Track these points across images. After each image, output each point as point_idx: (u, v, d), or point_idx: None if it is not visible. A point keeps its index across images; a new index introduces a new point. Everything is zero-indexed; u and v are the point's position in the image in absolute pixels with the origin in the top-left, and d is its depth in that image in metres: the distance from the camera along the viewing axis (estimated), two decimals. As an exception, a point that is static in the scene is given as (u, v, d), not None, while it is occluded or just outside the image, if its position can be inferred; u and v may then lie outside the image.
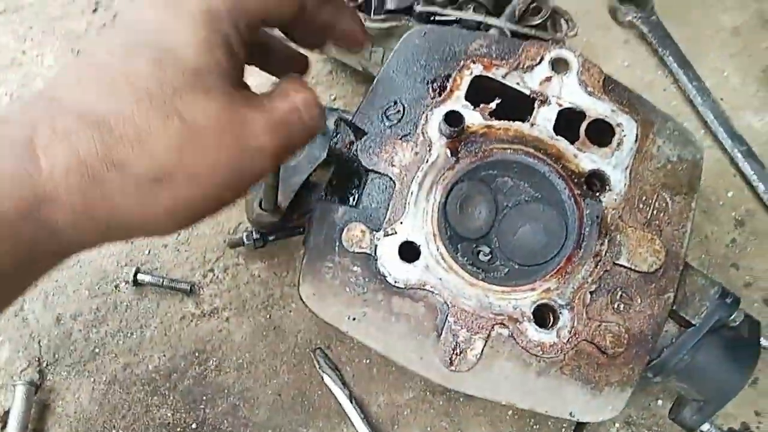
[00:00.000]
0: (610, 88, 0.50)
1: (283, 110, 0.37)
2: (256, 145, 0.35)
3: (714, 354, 0.48)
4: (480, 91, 0.49)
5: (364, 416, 0.59)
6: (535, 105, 0.48)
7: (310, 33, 0.41)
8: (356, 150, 0.47)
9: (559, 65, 0.49)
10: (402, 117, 0.48)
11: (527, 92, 0.49)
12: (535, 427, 0.61)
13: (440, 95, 0.49)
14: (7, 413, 0.55)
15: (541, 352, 0.44)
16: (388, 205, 0.46)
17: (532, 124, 0.48)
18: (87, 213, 0.32)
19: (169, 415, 0.58)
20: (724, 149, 0.76)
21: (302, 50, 0.45)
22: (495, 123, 0.48)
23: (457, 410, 0.60)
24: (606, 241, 0.46)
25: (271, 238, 0.64)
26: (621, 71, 0.80)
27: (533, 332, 0.44)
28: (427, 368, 0.44)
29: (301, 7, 0.38)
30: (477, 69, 0.49)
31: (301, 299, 0.46)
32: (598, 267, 0.46)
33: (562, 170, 0.47)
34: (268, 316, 0.63)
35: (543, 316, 0.45)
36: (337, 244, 0.46)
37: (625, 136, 0.48)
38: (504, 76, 0.49)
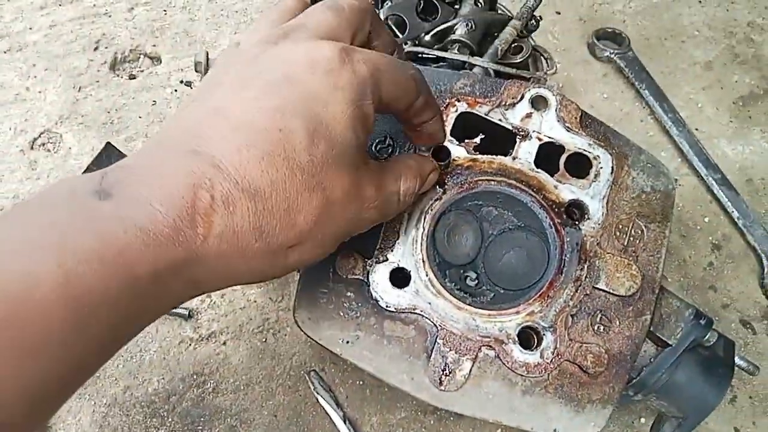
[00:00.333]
0: (586, 123, 0.53)
1: (390, 191, 0.41)
2: (365, 218, 0.40)
3: (691, 372, 0.51)
4: (465, 127, 0.52)
5: (358, 437, 0.60)
6: (517, 140, 0.51)
7: (404, 125, 0.46)
8: (350, 181, 0.50)
9: (538, 103, 0.53)
10: (392, 152, 0.51)
11: (509, 128, 0.52)
12: (522, 446, 0.62)
13: (428, 130, 0.52)
14: (9, 437, 0.56)
15: (526, 372, 0.46)
16: (380, 234, 0.49)
17: (514, 158, 0.51)
18: (227, 274, 0.34)
19: (168, 437, 0.59)
20: (700, 177, 0.80)
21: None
22: (479, 156, 0.51)
23: (447, 429, 0.62)
24: (586, 266, 0.49)
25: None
26: (600, 103, 0.84)
27: (518, 353, 0.47)
28: (418, 388, 0.46)
29: (411, 104, 0.42)
30: (462, 107, 0.52)
31: (297, 323, 0.48)
32: (579, 291, 0.48)
33: (543, 200, 0.50)
34: (264, 340, 0.65)
35: (527, 337, 0.48)
36: (332, 271, 0.48)
37: (601, 168, 0.51)
38: (487, 113, 0.52)
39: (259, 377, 0.63)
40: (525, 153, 0.51)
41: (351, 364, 0.49)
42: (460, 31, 0.66)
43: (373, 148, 0.51)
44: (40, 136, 0.73)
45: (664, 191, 0.52)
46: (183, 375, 0.62)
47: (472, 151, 0.51)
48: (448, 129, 0.51)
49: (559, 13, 0.92)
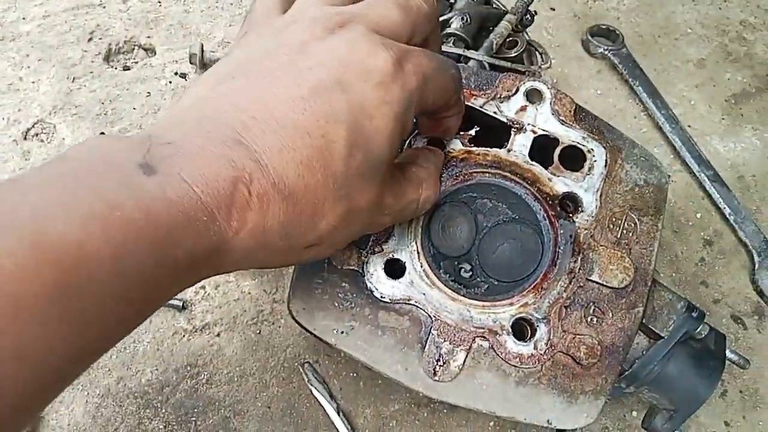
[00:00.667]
0: (581, 116, 0.53)
1: (408, 200, 0.41)
2: (379, 224, 0.41)
3: (683, 364, 0.51)
4: (460, 119, 0.52)
5: (351, 428, 0.60)
6: (512, 132, 0.51)
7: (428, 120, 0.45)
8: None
9: (533, 96, 0.53)
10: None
11: (504, 120, 0.52)
12: (515, 438, 0.63)
13: (424, 122, 0.52)
14: (1, 427, 0.56)
15: (519, 363, 0.47)
16: (375, 225, 0.49)
17: (508, 150, 0.51)
18: (244, 264, 0.34)
19: (161, 427, 0.59)
20: (692, 173, 0.80)
21: None
22: (474, 149, 0.51)
23: (441, 421, 0.62)
24: (579, 258, 0.49)
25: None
26: (594, 99, 0.84)
27: (512, 344, 0.47)
28: (412, 379, 0.46)
29: (447, 104, 0.42)
30: (458, 98, 0.52)
31: (291, 314, 0.48)
32: (572, 283, 0.48)
33: (537, 193, 0.50)
34: (258, 332, 0.65)
35: (521, 329, 0.48)
36: (327, 262, 0.48)
37: (595, 161, 0.51)
38: (482, 106, 0.52)
39: (252, 369, 0.63)
40: (519, 146, 0.51)
41: (345, 356, 0.49)
42: (456, 25, 0.66)
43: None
44: (33, 126, 0.73)
45: (657, 185, 0.52)
46: (176, 366, 0.62)
47: (467, 144, 0.51)
48: (443, 121, 0.52)
49: (554, 9, 0.92)
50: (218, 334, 0.64)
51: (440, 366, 0.46)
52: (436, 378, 0.46)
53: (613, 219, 0.50)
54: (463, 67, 0.56)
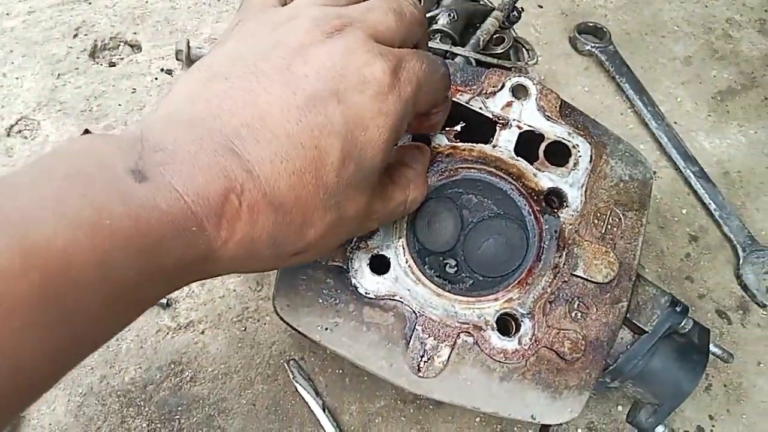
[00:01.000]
0: (566, 112, 0.53)
1: (396, 202, 0.40)
2: (367, 226, 0.40)
3: (667, 359, 0.51)
4: (446, 115, 0.51)
5: (337, 424, 0.60)
6: (497, 128, 0.51)
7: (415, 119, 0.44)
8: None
9: (518, 91, 0.52)
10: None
11: (489, 116, 0.51)
12: (501, 434, 0.62)
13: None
14: (-18, 426, 0.55)
15: (504, 359, 0.46)
16: (360, 220, 0.48)
17: (494, 146, 0.51)
18: (230, 270, 0.34)
19: (144, 425, 0.58)
20: (678, 169, 0.80)
21: None
22: (460, 144, 0.50)
23: (427, 417, 0.62)
24: (564, 254, 0.49)
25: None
26: (581, 96, 0.84)
27: (496, 340, 0.46)
28: (397, 375, 0.46)
29: (438, 104, 0.42)
30: (443, 93, 0.52)
31: (275, 310, 0.47)
32: (557, 278, 0.48)
33: (522, 188, 0.50)
34: (243, 329, 0.64)
35: (506, 324, 0.47)
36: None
37: (580, 156, 0.51)
38: (468, 102, 0.52)
39: (237, 366, 0.62)
40: (505, 141, 0.51)
41: (330, 352, 0.48)
42: (442, 21, 0.66)
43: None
44: (17, 122, 0.71)
45: (641, 180, 0.52)
46: (160, 364, 0.61)
47: (453, 139, 0.51)
48: (428, 116, 0.51)
49: (542, 7, 0.91)
50: (203, 332, 0.63)
51: (424, 362, 0.46)
52: (421, 374, 0.45)
53: (598, 214, 0.50)
54: (449, 63, 0.55)
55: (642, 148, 0.81)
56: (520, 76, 0.53)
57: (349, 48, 0.34)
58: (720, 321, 0.71)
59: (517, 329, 0.47)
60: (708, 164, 0.81)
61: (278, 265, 0.37)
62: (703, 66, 0.90)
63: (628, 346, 0.51)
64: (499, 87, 0.52)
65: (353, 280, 0.47)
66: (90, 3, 0.81)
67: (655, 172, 0.80)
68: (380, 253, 0.47)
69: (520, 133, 0.51)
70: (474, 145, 0.51)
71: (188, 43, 0.75)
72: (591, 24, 0.89)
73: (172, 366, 0.61)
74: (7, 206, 0.25)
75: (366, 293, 0.46)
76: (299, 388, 0.61)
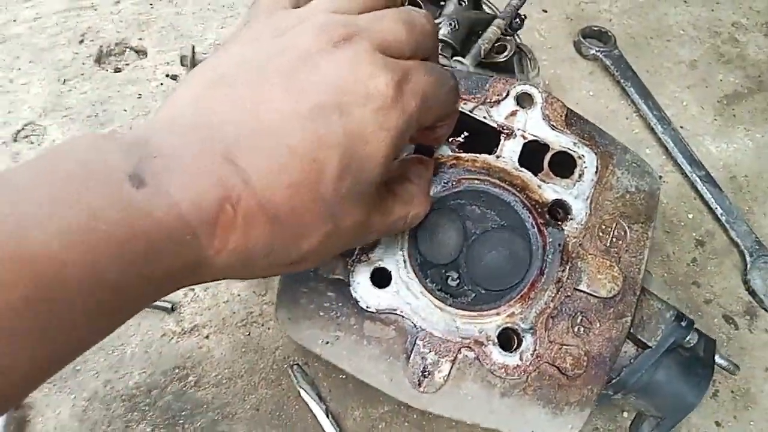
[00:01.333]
0: (572, 121, 0.50)
1: (396, 216, 0.39)
2: (366, 238, 0.40)
3: (671, 373, 0.49)
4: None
5: (340, 429, 0.58)
6: (501, 138, 0.49)
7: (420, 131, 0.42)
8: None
9: (523, 100, 0.50)
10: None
11: (494, 125, 0.49)
12: (503, 441, 0.61)
13: (412, 127, 0.49)
14: (-13, 430, 0.54)
15: (505, 374, 0.44)
16: (362, 232, 0.46)
17: (498, 156, 0.49)
18: (223, 278, 0.33)
19: (148, 430, 0.57)
20: (684, 174, 0.78)
21: None
22: (463, 155, 0.48)
23: (430, 423, 0.60)
24: (567, 267, 0.47)
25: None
26: (586, 100, 0.81)
27: (498, 355, 0.44)
28: (397, 389, 0.44)
29: (445, 116, 0.40)
30: (446, 103, 0.50)
31: (277, 322, 0.46)
32: (560, 293, 0.46)
33: (526, 200, 0.48)
34: (247, 333, 0.62)
35: (507, 339, 0.46)
36: (313, 270, 0.45)
37: (586, 167, 0.49)
38: (472, 110, 0.50)
39: (241, 371, 0.61)
40: (509, 151, 0.49)
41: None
42: (444, 31, 0.64)
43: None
44: (23, 128, 0.70)
45: (648, 191, 0.50)
46: (165, 368, 0.60)
47: (456, 149, 0.49)
48: (431, 126, 0.49)
49: (546, 11, 0.89)
50: (207, 336, 0.62)
51: (425, 377, 0.44)
52: (421, 389, 0.44)
53: (603, 227, 0.48)
54: (453, 72, 0.53)
55: (648, 152, 0.79)
56: (525, 84, 0.51)
57: (355, 59, 0.32)
58: (727, 326, 0.69)
59: (519, 344, 0.45)
60: (714, 168, 0.78)
61: (272, 273, 0.36)
62: (709, 70, 0.87)
63: (632, 360, 0.49)
64: (504, 95, 0.50)
65: (354, 294, 0.45)
66: (96, 9, 0.79)
67: (661, 177, 0.77)
68: (381, 266, 0.45)
69: (525, 143, 0.49)
70: (477, 155, 0.49)
71: (193, 48, 0.74)
72: (596, 28, 0.86)
73: (177, 370, 0.60)
74: (4, 210, 0.24)
75: (367, 307, 0.45)
76: (303, 393, 0.60)
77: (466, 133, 0.49)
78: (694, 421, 0.64)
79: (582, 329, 0.46)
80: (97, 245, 0.25)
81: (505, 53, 0.62)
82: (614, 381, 0.49)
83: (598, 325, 0.46)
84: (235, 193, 0.29)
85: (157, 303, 0.61)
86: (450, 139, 0.49)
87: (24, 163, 0.28)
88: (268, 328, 0.63)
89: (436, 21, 0.63)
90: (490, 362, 0.44)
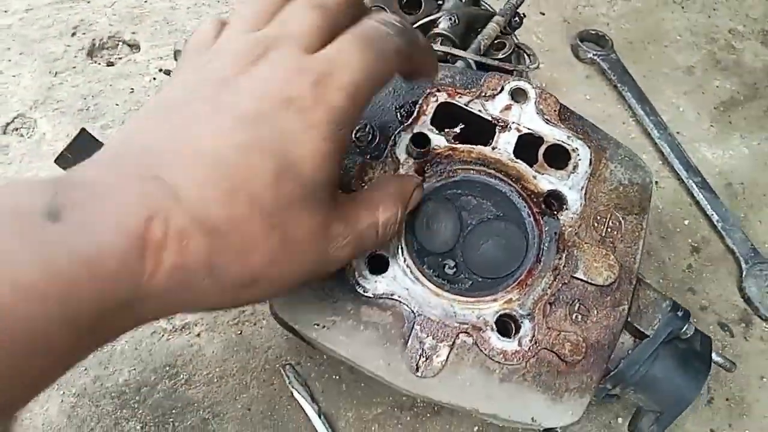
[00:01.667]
0: (566, 116, 0.55)
1: (365, 224, 0.40)
2: (335, 256, 0.39)
3: (668, 365, 0.52)
4: (445, 118, 0.53)
5: (333, 431, 0.61)
6: (496, 130, 0.53)
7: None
8: (329, 168, 0.51)
9: (518, 95, 0.54)
10: (372, 139, 0.52)
11: (489, 118, 0.53)
12: (500, 442, 0.63)
13: (408, 120, 0.53)
14: (-29, 426, 0.56)
15: (503, 360, 0.47)
16: (359, 219, 0.50)
17: (493, 148, 0.53)
18: (174, 307, 0.34)
19: (138, 428, 0.59)
20: (680, 180, 0.82)
21: None
22: (459, 146, 0.52)
23: (423, 425, 0.63)
24: (564, 256, 0.50)
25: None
26: (583, 104, 0.86)
27: (496, 340, 0.48)
28: (394, 375, 0.47)
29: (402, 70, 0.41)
30: (442, 96, 0.54)
31: (272, 310, 0.49)
32: (557, 280, 0.50)
33: (522, 190, 0.52)
34: (239, 332, 0.65)
35: (505, 325, 0.49)
36: (310, 255, 0.49)
37: (580, 159, 0.53)
38: (467, 104, 0.54)
39: (233, 370, 0.63)
40: (504, 143, 0.53)
41: (327, 358, 0.49)
42: (443, 25, 0.68)
43: (354, 135, 0.52)
44: (13, 120, 0.73)
45: (641, 184, 0.54)
46: (155, 366, 0.62)
47: (452, 141, 0.52)
48: (428, 118, 0.53)
49: (544, 14, 0.94)
50: (198, 334, 0.64)
51: (423, 361, 0.47)
52: (419, 374, 0.47)
53: (598, 217, 0.52)
54: (449, 66, 0.57)
55: (644, 157, 0.81)
56: (519, 79, 0.55)
57: (271, 69, 0.35)
58: (722, 334, 0.73)
59: (517, 330, 0.48)
60: (710, 175, 0.82)
61: (228, 301, 0.36)
62: (706, 76, 0.92)
63: (629, 351, 0.52)
64: (499, 90, 0.54)
65: (351, 279, 0.48)
66: (89, 2, 0.83)
67: (657, 182, 0.82)
68: (379, 252, 0.49)
69: (520, 136, 0.53)
70: (473, 147, 0.53)
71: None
72: (593, 32, 0.91)
73: (167, 368, 0.62)
74: None
75: (364, 292, 0.48)
76: (295, 394, 0.62)
77: (462, 125, 0.53)
78: (690, 428, 0.67)
79: (580, 316, 0.49)
80: (6, 295, 0.25)
81: (504, 50, 0.66)
82: (613, 373, 0.52)
83: (595, 312, 0.49)
84: (162, 209, 0.30)
85: (147, 300, 0.64)
86: (446, 131, 0.53)
87: None
88: (261, 327, 0.66)
89: (436, 15, 0.67)
90: (488, 347, 0.47)
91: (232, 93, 0.34)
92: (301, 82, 0.35)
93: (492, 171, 0.52)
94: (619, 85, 0.87)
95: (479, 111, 0.54)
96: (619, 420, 0.66)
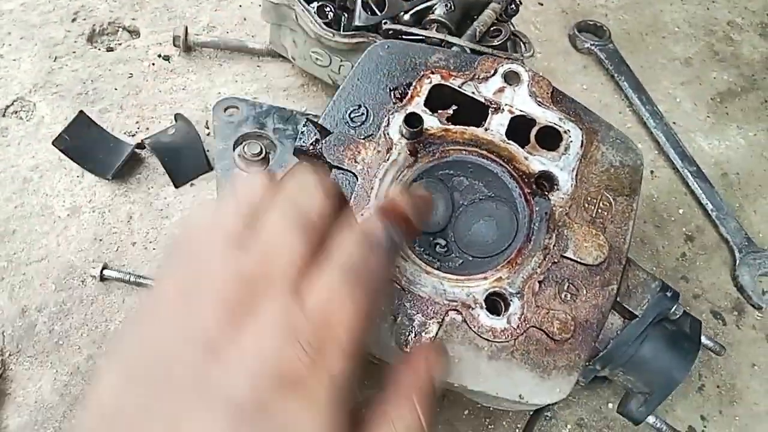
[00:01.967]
0: (558, 99, 0.55)
1: None
2: None
3: (657, 345, 0.52)
4: (438, 100, 0.54)
5: None
6: (489, 112, 0.53)
7: None
8: (321, 147, 0.51)
9: (511, 78, 0.55)
10: (365, 119, 0.53)
11: (482, 100, 0.53)
12: (490, 426, 0.64)
13: (401, 101, 0.53)
14: (-34, 403, 0.56)
15: (492, 337, 0.48)
16: (351, 198, 0.50)
17: (486, 129, 0.53)
18: None
19: (131, 406, 0.59)
20: (675, 169, 0.82)
21: None
22: (452, 127, 0.53)
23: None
24: (554, 235, 0.50)
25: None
26: (580, 94, 0.86)
27: (485, 318, 0.48)
28: (384, 351, 0.47)
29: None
30: (436, 78, 0.54)
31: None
32: (547, 259, 0.50)
33: (513, 171, 0.52)
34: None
35: (494, 303, 0.49)
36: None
37: (571, 141, 0.53)
38: (461, 86, 0.54)
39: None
40: (497, 125, 0.53)
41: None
42: (439, 11, 0.69)
43: (348, 116, 0.53)
44: (12, 103, 0.74)
45: (632, 166, 0.54)
46: (149, 346, 0.62)
47: (445, 122, 0.53)
48: (422, 99, 0.53)
49: (542, 5, 0.94)
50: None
51: (412, 338, 0.47)
52: (408, 350, 0.47)
53: (589, 198, 0.52)
54: (442, 50, 0.58)
55: (640, 146, 0.82)
56: (512, 62, 0.55)
57: (262, 333, 0.32)
58: (715, 322, 0.73)
59: (506, 308, 0.48)
60: (706, 165, 0.82)
61: None
62: (703, 67, 0.92)
63: (619, 332, 0.52)
64: (492, 73, 0.55)
65: (343, 257, 0.48)
66: (89, -11, 0.84)
67: (652, 172, 0.82)
68: (371, 230, 0.49)
69: (512, 118, 0.53)
70: (466, 128, 0.53)
71: (186, 29, 0.78)
72: (591, 22, 0.91)
73: (160, 348, 0.63)
74: None
75: (355, 269, 0.48)
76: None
77: (455, 107, 0.53)
78: (680, 414, 0.67)
79: (569, 296, 0.49)
80: None
81: (500, 37, 0.67)
82: (602, 354, 0.52)
83: (584, 291, 0.49)
84: None
85: (141, 281, 0.64)
86: (439, 112, 0.53)
87: None
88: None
89: (432, 2, 0.67)
90: (477, 325, 0.48)
91: (222, 370, 0.31)
92: (296, 351, 0.31)
93: (484, 152, 0.52)
94: (616, 75, 0.87)
95: (472, 93, 0.54)
96: (609, 405, 0.67)
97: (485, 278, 0.49)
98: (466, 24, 0.70)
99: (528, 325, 0.48)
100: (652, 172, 0.82)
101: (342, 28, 0.71)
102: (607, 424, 0.66)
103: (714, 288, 0.75)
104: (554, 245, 0.50)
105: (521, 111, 0.54)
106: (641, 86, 0.87)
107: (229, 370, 0.31)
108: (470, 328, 0.48)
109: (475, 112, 0.54)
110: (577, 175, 0.52)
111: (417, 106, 0.53)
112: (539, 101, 0.54)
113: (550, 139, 0.53)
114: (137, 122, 0.75)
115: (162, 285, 0.37)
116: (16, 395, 0.59)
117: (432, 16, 0.68)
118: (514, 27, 0.74)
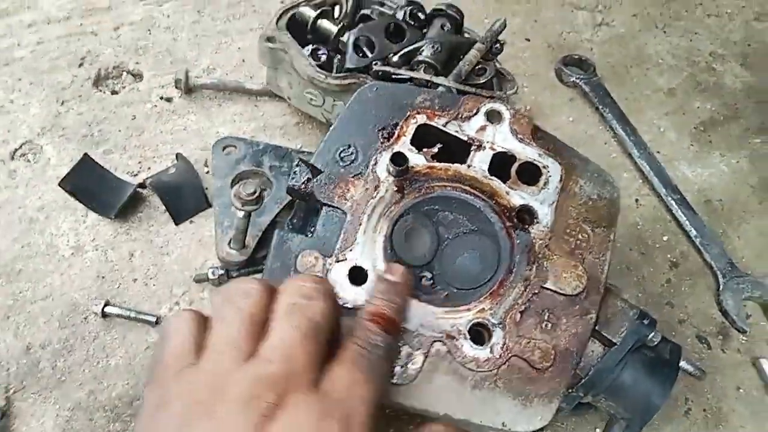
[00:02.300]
0: (538, 135, 0.57)
1: None
2: None
3: (636, 373, 0.54)
4: (424, 138, 0.56)
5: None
6: (472, 149, 0.56)
7: None
8: (312, 186, 0.54)
9: (493, 116, 0.57)
10: (355, 159, 0.55)
11: (465, 138, 0.56)
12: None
13: (389, 140, 0.56)
14: (-28, 439, 0.58)
15: (476, 367, 0.49)
16: (340, 234, 0.52)
17: (469, 166, 0.55)
18: None
19: (131, 439, 0.61)
20: (660, 197, 0.84)
21: None
22: (436, 164, 0.55)
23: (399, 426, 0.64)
24: (534, 267, 0.52)
25: (234, 274, 0.69)
26: (566, 126, 0.89)
27: (469, 348, 0.50)
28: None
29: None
30: (421, 118, 0.57)
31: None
32: (528, 290, 0.52)
33: (495, 206, 0.54)
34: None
35: (478, 334, 0.51)
36: (293, 269, 0.51)
37: (550, 176, 0.55)
38: (445, 125, 0.57)
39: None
40: (479, 162, 0.55)
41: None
42: (426, 53, 0.72)
43: (339, 155, 0.55)
44: (21, 146, 0.77)
45: (609, 199, 0.56)
46: (149, 379, 0.64)
47: (430, 159, 0.55)
48: (408, 138, 0.56)
49: (529, 40, 0.97)
50: (192, 348, 0.66)
51: (398, 369, 0.49)
52: (395, 381, 0.48)
53: (568, 230, 0.54)
54: (428, 91, 0.60)
55: (625, 176, 0.85)
56: (494, 101, 0.58)
57: (297, 427, 0.36)
58: (700, 346, 0.73)
59: (489, 338, 0.50)
60: (690, 192, 0.84)
61: None
62: (687, 98, 0.95)
63: (599, 359, 0.54)
64: (474, 112, 0.58)
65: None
66: (96, 35, 0.88)
67: (637, 200, 0.84)
68: (358, 264, 0.51)
69: (494, 155, 0.56)
70: (450, 165, 0.55)
71: (187, 72, 0.82)
72: (576, 56, 0.94)
73: (160, 381, 0.64)
74: None
75: (344, 303, 0.50)
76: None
77: (439, 145, 0.56)
78: (666, 437, 0.68)
79: (549, 325, 0.51)
80: None
81: (485, 75, 0.70)
82: (583, 381, 0.54)
83: (564, 321, 0.51)
84: None
85: (142, 317, 0.66)
86: (424, 150, 0.56)
87: None
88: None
89: (420, 44, 0.70)
90: (461, 355, 0.49)
91: None
92: (330, 426, 0.36)
93: (467, 187, 0.55)
94: (600, 107, 0.90)
95: (456, 132, 0.57)
96: (597, 430, 0.67)
97: (469, 310, 0.51)
98: (453, 64, 0.72)
99: (510, 354, 0.50)
100: (636, 200, 0.84)
101: (335, 70, 0.74)
102: (595, 450, 0.67)
103: (699, 313, 0.76)
104: (535, 276, 0.52)
105: (502, 148, 0.56)
106: (625, 117, 0.89)
107: None
108: (455, 358, 0.49)
109: (458, 149, 0.56)
110: (556, 208, 0.55)
111: (403, 145, 0.56)
112: (520, 138, 0.57)
113: (531, 174, 0.56)
114: (139, 162, 0.78)
115: (171, 401, 0.38)
116: (20, 431, 0.60)
117: (420, 57, 0.71)
118: (499, 65, 0.77)
